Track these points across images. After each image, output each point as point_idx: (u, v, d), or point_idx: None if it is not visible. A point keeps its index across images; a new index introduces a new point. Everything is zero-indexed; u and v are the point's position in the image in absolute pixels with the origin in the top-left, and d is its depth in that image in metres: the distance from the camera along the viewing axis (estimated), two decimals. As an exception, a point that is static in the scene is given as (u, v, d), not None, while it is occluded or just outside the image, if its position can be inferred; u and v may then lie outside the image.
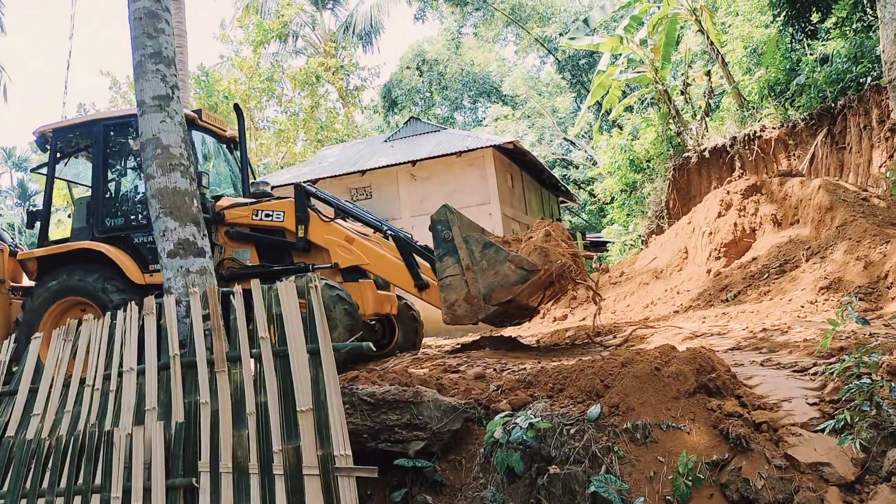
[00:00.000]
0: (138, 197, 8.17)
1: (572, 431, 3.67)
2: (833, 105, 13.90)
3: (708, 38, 17.30)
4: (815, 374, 3.91)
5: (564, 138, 35.24)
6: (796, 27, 15.30)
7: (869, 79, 12.65)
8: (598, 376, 3.97)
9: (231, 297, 4.24)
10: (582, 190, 33.45)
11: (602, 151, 22.16)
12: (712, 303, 10.41)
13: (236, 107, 9.36)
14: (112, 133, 8.18)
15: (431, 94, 40.51)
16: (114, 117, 8.51)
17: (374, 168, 18.52)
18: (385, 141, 22.40)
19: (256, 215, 8.06)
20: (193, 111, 8.51)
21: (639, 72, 19.03)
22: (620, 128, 23.01)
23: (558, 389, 4.17)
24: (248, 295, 8.24)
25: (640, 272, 14.80)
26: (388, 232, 8.18)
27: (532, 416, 3.77)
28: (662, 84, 18.34)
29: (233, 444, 3.80)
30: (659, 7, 17.94)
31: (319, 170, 20.00)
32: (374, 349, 4.03)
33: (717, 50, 17.38)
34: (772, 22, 16.15)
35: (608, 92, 19.56)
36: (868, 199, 10.79)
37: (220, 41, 31.05)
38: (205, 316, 4.33)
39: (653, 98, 19.62)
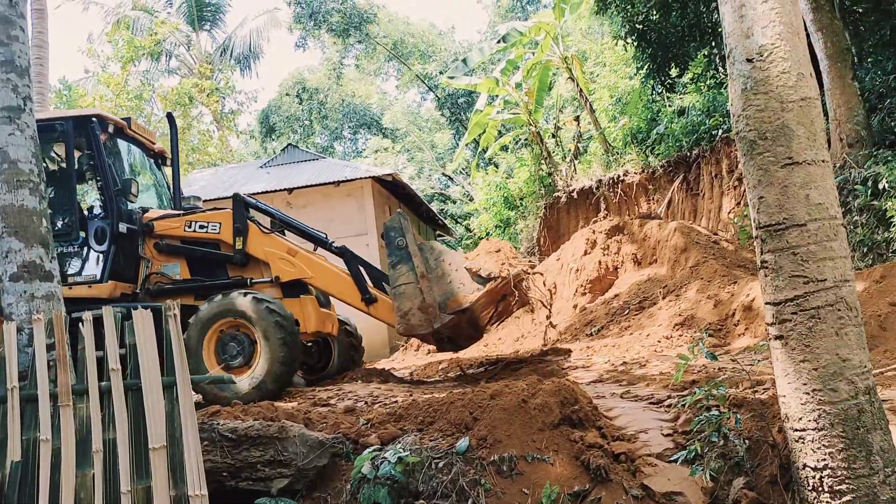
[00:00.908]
0: (59, 203, 7.55)
1: (441, 465, 3.64)
2: (688, 154, 14.98)
3: (577, 85, 18.23)
4: (669, 406, 4.12)
5: (443, 173, 35.84)
6: (657, 80, 16.41)
7: (720, 131, 13.74)
8: (468, 409, 3.98)
9: (80, 324, 3.91)
10: (459, 224, 34.03)
11: (478, 188, 22.72)
12: (578, 337, 10.81)
13: (169, 115, 8.90)
14: None
15: (311, 123, 40.10)
16: (37, 120, 7.90)
17: (249, 195, 17.97)
18: (261, 167, 21.86)
19: (190, 227, 7.62)
20: (123, 119, 8.04)
21: (514, 113, 19.73)
22: (496, 166, 23.72)
23: (428, 422, 4.14)
24: (185, 310, 7.66)
25: (511, 306, 15.13)
26: (333, 246, 7.86)
27: (401, 451, 3.71)
28: (535, 126, 19.10)
29: (76, 486, 3.49)
30: (533, 53, 18.75)
31: (188, 193, 19.17)
32: (234, 380, 3.79)
33: (586, 97, 18.33)
34: (635, 74, 17.26)
35: (485, 131, 20.12)
36: (718, 243, 11.64)
37: (86, 55, 29.34)
38: (49, 345, 3.97)
39: (526, 139, 20.37)
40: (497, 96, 19.81)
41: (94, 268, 7.24)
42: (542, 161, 19.27)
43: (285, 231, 8.06)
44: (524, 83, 19.02)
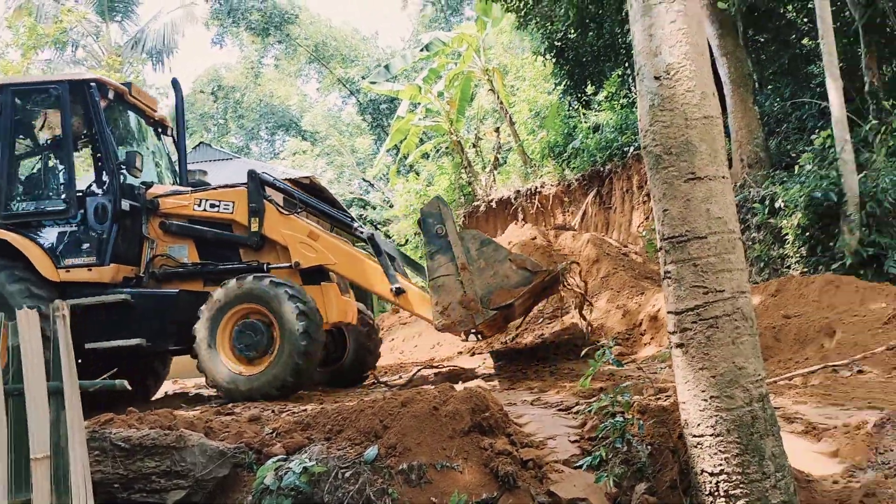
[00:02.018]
0: (53, 177, 6.98)
1: (348, 475, 3.58)
2: (602, 169, 15.43)
3: (498, 97, 18.50)
4: (577, 412, 4.20)
5: (363, 179, 35.61)
6: (574, 96, 16.86)
7: (631, 148, 14.22)
8: (378, 417, 3.93)
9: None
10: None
11: (398, 194, 22.69)
12: (493, 344, 10.89)
13: (174, 81, 8.17)
14: (22, 101, 6.88)
15: (226, 122, 39.13)
16: (27, 83, 7.18)
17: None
18: (172, 166, 21.11)
19: (199, 205, 7.03)
20: (123, 84, 7.41)
21: (435, 121, 19.83)
22: (417, 173, 23.74)
23: (337, 431, 4.06)
24: (187, 300, 6.94)
25: (427, 314, 15.14)
26: (359, 231, 7.32)
27: (307, 460, 3.62)
28: (456, 136, 19.26)
29: (-52, 500, 3.23)
30: (456, 64, 18.91)
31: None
32: (129, 387, 3.58)
33: (506, 109, 18.63)
34: (553, 90, 17.67)
35: (406, 137, 20.13)
36: (628, 255, 12.02)
37: (-17, 41, 27.64)
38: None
39: (447, 148, 20.51)
40: (419, 104, 19.87)
41: (93, 249, 6.65)
42: (463, 170, 19.44)
43: (307, 213, 7.47)
44: (446, 92, 19.16)
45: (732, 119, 10.78)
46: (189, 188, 7.39)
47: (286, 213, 6.99)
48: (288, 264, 6.81)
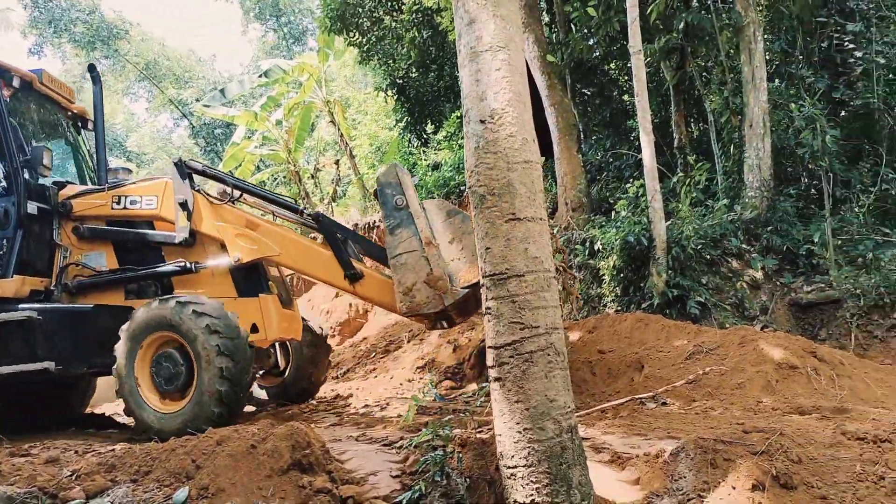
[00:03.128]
0: None
1: (154, 519, 3.33)
2: (439, 206, 15.80)
3: (339, 130, 18.50)
4: (400, 447, 4.20)
5: (194, 205, 34.03)
6: (414, 134, 17.23)
7: (467, 188, 14.70)
8: (190, 456, 3.70)
9: None
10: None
11: (231, 223, 21.89)
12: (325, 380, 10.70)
13: (92, 68, 7.07)
14: None
15: (43, 138, 35.97)
16: None
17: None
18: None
19: (118, 203, 6.12)
20: (33, 71, 6.39)
21: (273, 150, 19.45)
22: (251, 202, 23.06)
23: (144, 472, 3.78)
24: (104, 315, 5.97)
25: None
26: (306, 213, 6.46)
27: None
28: (295, 165, 18.99)
29: None
30: (296, 93, 18.73)
31: None
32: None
33: (347, 142, 18.66)
34: (394, 126, 17.95)
35: (241, 164, 19.54)
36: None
37: None
38: None
39: (285, 177, 20.15)
40: (256, 131, 19.40)
41: None
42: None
43: (243, 200, 6.61)
44: (285, 121, 18.88)
45: (559, 165, 11.48)
46: (105, 186, 6.56)
47: (217, 201, 6.23)
48: (225, 260, 6.04)
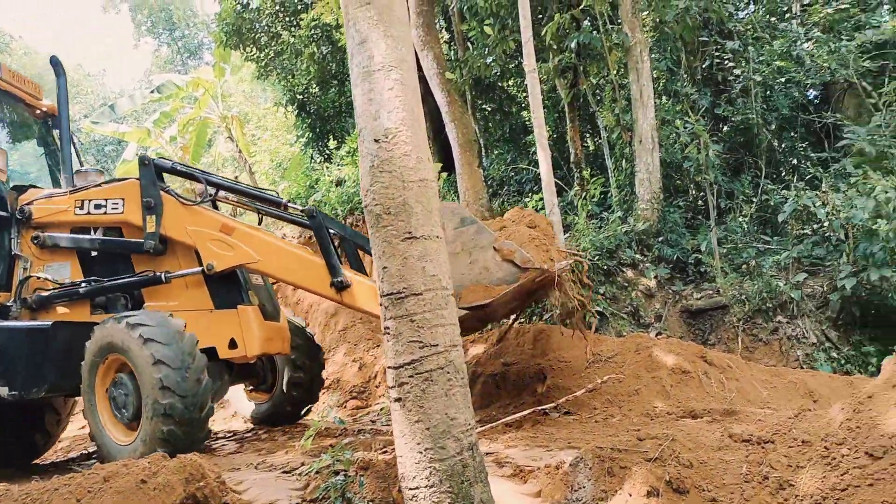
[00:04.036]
0: None
1: (33, 568, 3.09)
2: (344, 222, 15.66)
3: (237, 146, 18.06)
4: (301, 473, 4.09)
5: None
6: (316, 149, 17.04)
7: (370, 203, 14.64)
8: (74, 495, 3.46)
9: None
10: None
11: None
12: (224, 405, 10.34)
13: (54, 60, 6.32)
14: None
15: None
16: None
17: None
18: None
19: (81, 208, 5.55)
20: None
21: (168, 167, 18.77)
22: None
23: (23, 517, 3.51)
24: (66, 333, 5.26)
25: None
26: (296, 207, 5.85)
27: (-21, 556, 3.07)
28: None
29: None
30: (191, 108, 18.17)
31: None
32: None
33: (246, 158, 18.23)
34: (295, 141, 17.69)
35: (134, 183, 18.75)
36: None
37: None
38: None
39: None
40: (149, 148, 18.68)
41: None
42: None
43: (216, 202, 6.06)
44: (180, 137, 18.27)
45: (461, 180, 11.62)
46: (69, 189, 5.95)
47: (190, 203, 5.68)
48: (196, 270, 5.53)
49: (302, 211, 5.92)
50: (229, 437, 6.89)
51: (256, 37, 14.84)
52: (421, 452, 2.96)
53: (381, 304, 3.18)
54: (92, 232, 5.88)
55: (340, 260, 5.69)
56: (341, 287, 5.49)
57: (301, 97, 15.82)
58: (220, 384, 5.75)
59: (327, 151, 17.23)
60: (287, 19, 14.85)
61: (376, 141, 3.14)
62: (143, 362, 4.71)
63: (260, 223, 6.32)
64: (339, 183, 17.09)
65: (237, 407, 7.48)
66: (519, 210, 5.76)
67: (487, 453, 4.07)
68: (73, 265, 5.80)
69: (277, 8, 14.71)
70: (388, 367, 3.13)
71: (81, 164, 6.91)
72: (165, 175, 5.95)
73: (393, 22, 3.19)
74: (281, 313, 6.29)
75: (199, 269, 5.51)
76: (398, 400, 3.06)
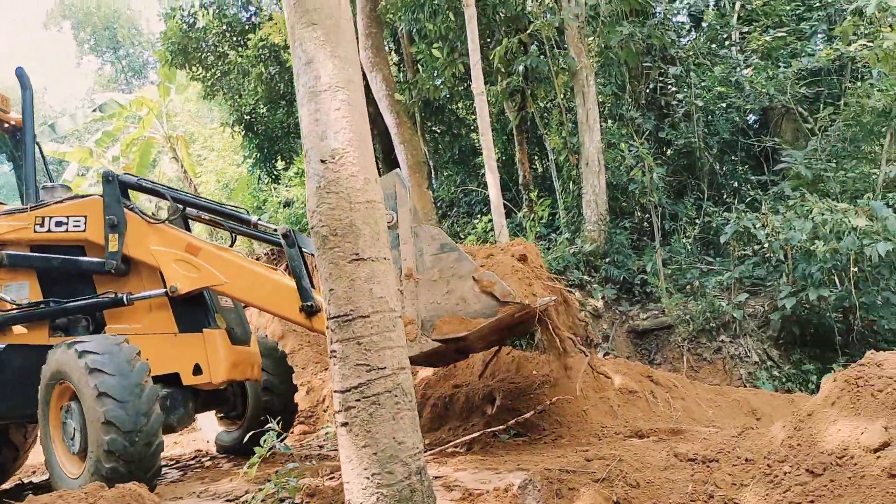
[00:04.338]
0: None
1: None
2: (291, 244, 15.47)
3: (182, 166, 17.74)
4: (245, 502, 3.97)
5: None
6: (264, 170, 16.85)
7: (319, 224, 14.51)
8: (2, 533, 3.30)
9: None
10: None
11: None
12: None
13: (20, 71, 5.98)
14: None
15: None
16: None
17: None
18: None
19: (42, 225, 5.25)
20: None
21: (109, 187, 18.29)
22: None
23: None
24: (19, 357, 5.01)
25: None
26: (267, 226, 5.57)
27: None
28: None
29: None
30: (135, 128, 17.80)
31: None
32: None
33: (191, 179, 17.91)
34: (242, 162, 17.47)
35: (74, 203, 18.21)
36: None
37: None
38: None
39: (124, 216, 19.00)
40: (91, 168, 18.19)
41: None
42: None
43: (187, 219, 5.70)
44: (123, 157, 17.85)
45: (410, 202, 11.60)
46: (28, 206, 5.60)
47: (153, 222, 5.42)
48: (160, 291, 5.22)
49: (275, 230, 5.68)
50: (172, 464, 6.66)
51: (203, 56, 14.65)
52: (368, 478, 2.90)
53: (327, 328, 3.13)
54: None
55: (313, 283, 5.39)
56: (311, 312, 5.26)
57: (248, 117, 15.65)
58: (184, 412, 5.45)
59: (275, 172, 17.05)
60: (234, 39, 14.71)
61: (323, 161, 3.10)
62: (87, 394, 4.42)
63: (233, 243, 6.16)
64: (288, 204, 16.94)
65: (209, 435, 7.16)
66: (516, 242, 5.48)
67: (436, 477, 4.02)
68: (33, 285, 5.50)
69: (224, 28, 14.56)
70: (335, 392, 3.07)
71: (51, 180, 6.66)
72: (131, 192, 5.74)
73: (340, 42, 3.17)
74: (252, 338, 6.04)
75: (163, 290, 5.25)
76: (345, 424, 3.00)
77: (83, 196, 5.69)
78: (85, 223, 5.42)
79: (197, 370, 5.30)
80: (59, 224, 5.43)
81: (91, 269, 5.42)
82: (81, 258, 5.47)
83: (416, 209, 4.82)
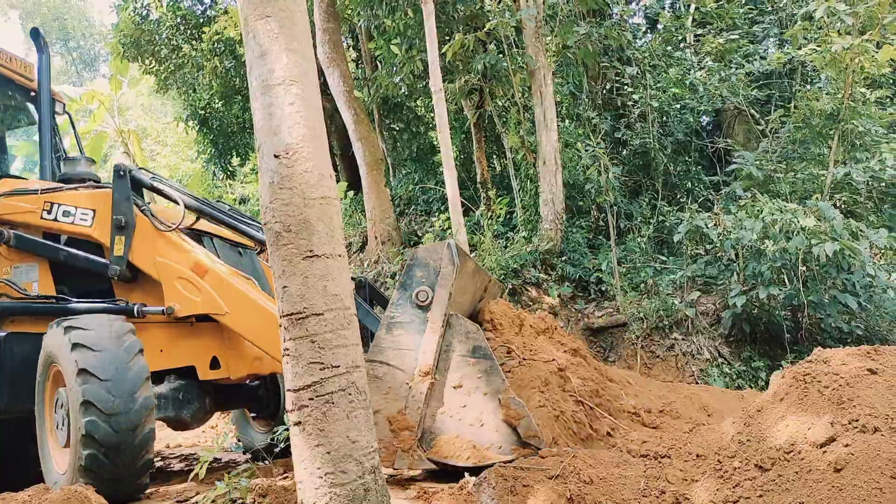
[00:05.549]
0: None
1: None
2: (246, 241, 15.26)
3: (134, 161, 17.33)
4: (196, 503, 3.89)
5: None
6: (218, 166, 16.57)
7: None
8: (-63, 540, 3.17)
9: None
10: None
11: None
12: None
13: (35, 32, 5.41)
14: None
15: None
16: None
17: None
18: None
19: (49, 212, 4.76)
20: None
21: (58, 182, 17.78)
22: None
23: None
24: (24, 346, 4.52)
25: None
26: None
27: None
28: (84, 199, 17.49)
29: None
30: (85, 122, 17.32)
31: None
32: None
33: (144, 174, 17.52)
34: (197, 157, 17.16)
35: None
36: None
37: None
38: None
39: (73, 212, 18.49)
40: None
41: None
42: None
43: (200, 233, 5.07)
44: (72, 151, 17.35)
45: (367, 199, 11.55)
46: (55, 186, 5.03)
47: (166, 228, 4.78)
48: (157, 309, 4.63)
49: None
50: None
51: (156, 49, 14.32)
52: (321, 477, 2.86)
53: (280, 325, 3.08)
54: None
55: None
56: None
57: (203, 112, 15.37)
58: (198, 407, 4.99)
59: (230, 169, 16.79)
60: (188, 32, 14.42)
61: (276, 157, 3.05)
62: (69, 371, 3.92)
63: (261, 252, 5.56)
64: (244, 201, 16.71)
65: (244, 437, 6.62)
66: (546, 319, 4.74)
67: (390, 476, 3.99)
68: (43, 268, 4.97)
69: (178, 20, 14.26)
70: (288, 390, 3.02)
71: (81, 151, 6.27)
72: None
73: (295, 35, 3.12)
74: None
75: (160, 308, 4.66)
76: (298, 423, 2.95)
77: (99, 185, 5.15)
78: (93, 218, 4.89)
79: (214, 364, 4.90)
80: (66, 214, 4.89)
81: (95, 269, 4.87)
82: (88, 255, 4.91)
83: (453, 293, 3.93)
